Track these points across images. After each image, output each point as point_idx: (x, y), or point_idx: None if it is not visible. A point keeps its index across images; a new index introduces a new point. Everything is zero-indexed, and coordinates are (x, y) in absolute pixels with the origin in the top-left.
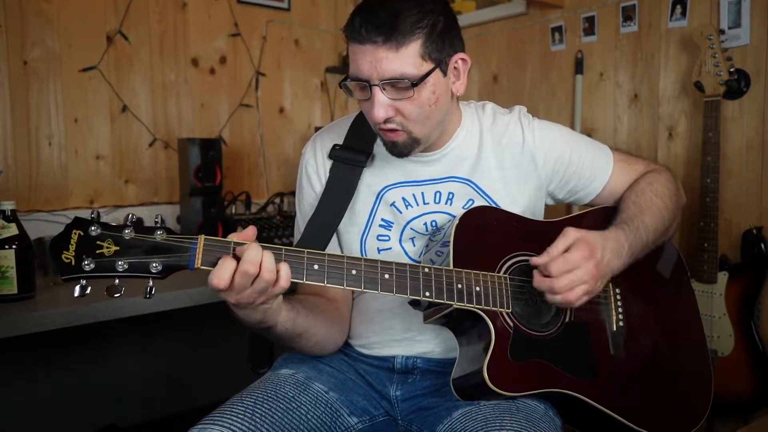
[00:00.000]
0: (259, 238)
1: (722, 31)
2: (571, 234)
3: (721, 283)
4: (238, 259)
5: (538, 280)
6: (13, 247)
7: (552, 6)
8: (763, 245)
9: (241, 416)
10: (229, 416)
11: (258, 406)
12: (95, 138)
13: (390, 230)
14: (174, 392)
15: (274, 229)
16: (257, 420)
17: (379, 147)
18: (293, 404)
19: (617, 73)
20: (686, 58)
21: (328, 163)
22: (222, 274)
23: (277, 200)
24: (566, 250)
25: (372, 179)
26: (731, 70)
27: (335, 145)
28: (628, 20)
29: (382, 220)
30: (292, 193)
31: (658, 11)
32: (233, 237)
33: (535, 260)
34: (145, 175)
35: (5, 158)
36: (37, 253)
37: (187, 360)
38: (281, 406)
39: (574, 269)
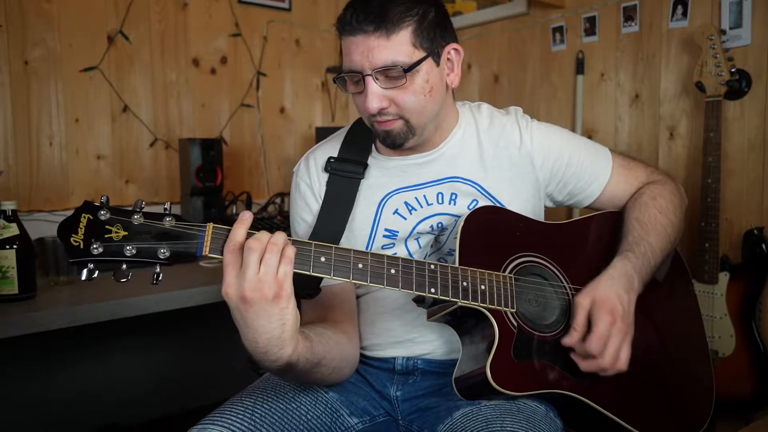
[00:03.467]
0: None
1: (723, 32)
2: (583, 302)
3: (722, 283)
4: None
5: (585, 366)
6: (14, 247)
7: (553, 6)
8: (764, 245)
9: (241, 416)
10: (228, 416)
11: (258, 406)
12: (96, 138)
13: (395, 239)
14: (174, 392)
15: (275, 229)
16: (257, 420)
17: (374, 157)
18: (293, 404)
19: (618, 73)
20: (687, 59)
21: (324, 177)
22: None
23: (278, 200)
24: (588, 319)
25: (371, 190)
26: (732, 70)
27: (330, 158)
28: (629, 20)
29: (386, 230)
30: None
31: (659, 11)
32: None
33: (567, 341)
34: (146, 175)
35: (6, 158)
36: (38, 253)
37: (187, 360)
38: (281, 406)
39: (608, 340)
